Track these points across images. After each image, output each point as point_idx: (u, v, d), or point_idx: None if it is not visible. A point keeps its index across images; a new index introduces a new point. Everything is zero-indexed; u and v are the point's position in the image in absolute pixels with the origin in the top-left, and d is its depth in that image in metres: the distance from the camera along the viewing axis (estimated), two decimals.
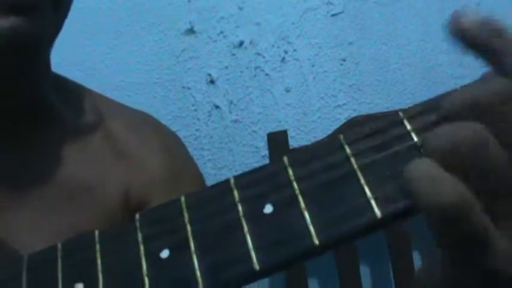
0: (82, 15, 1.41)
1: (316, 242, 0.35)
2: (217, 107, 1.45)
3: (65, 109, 0.70)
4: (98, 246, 0.40)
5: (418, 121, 0.38)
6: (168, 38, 1.46)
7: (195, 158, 1.42)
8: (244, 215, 0.37)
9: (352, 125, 1.37)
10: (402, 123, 0.38)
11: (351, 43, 1.51)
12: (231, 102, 1.46)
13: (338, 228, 0.35)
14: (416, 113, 0.38)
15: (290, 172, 0.38)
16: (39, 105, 0.67)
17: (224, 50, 1.47)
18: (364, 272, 1.44)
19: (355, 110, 1.49)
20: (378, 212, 0.35)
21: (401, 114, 0.38)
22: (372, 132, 0.38)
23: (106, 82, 1.41)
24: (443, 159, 0.33)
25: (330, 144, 0.38)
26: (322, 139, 1.37)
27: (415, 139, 0.37)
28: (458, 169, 0.33)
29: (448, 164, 0.33)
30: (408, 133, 0.37)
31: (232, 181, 0.38)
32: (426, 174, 0.33)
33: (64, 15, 0.64)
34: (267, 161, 1.43)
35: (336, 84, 1.50)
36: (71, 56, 1.39)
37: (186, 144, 1.41)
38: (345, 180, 0.36)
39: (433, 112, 0.38)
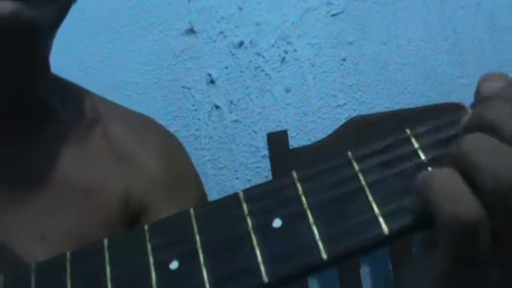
0: (82, 15, 1.41)
1: (325, 256, 0.35)
2: (217, 107, 1.45)
3: (64, 110, 0.70)
4: (107, 256, 0.40)
5: (425, 139, 0.38)
6: (168, 38, 1.45)
7: (195, 158, 1.42)
8: (253, 228, 0.37)
9: (352, 125, 1.38)
10: (409, 141, 0.38)
11: (351, 43, 1.51)
12: (231, 102, 1.46)
13: (346, 243, 0.36)
14: (423, 131, 0.39)
15: (299, 187, 0.38)
16: (37, 106, 0.67)
17: (224, 50, 1.47)
18: (364, 272, 1.45)
19: (355, 110, 1.49)
20: (385, 228, 0.35)
21: (408, 131, 0.39)
22: (380, 148, 0.38)
23: (106, 82, 1.41)
24: (468, 169, 0.33)
25: (338, 160, 0.39)
26: (323, 139, 1.37)
27: (423, 157, 0.38)
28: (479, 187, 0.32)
29: (470, 178, 0.33)
30: (416, 151, 0.38)
31: (241, 194, 0.39)
32: (446, 186, 0.33)
33: (62, 6, 0.63)
34: (267, 161, 1.43)
35: (336, 84, 1.50)
36: (71, 56, 1.39)
37: (186, 144, 1.41)
38: (353, 196, 0.37)
39: (440, 130, 0.38)
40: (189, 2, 1.46)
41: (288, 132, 1.41)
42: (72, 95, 0.73)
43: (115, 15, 1.44)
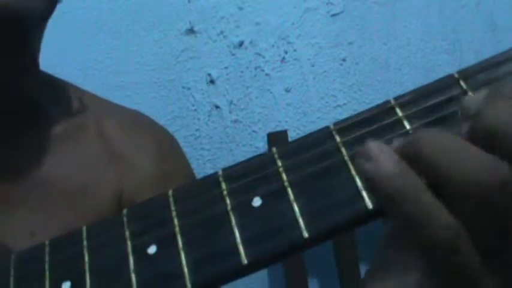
0: (82, 15, 1.41)
1: (306, 234, 0.34)
2: (217, 107, 1.45)
3: (56, 108, 0.70)
4: (85, 243, 0.39)
5: (410, 108, 0.36)
6: (168, 38, 1.46)
7: (195, 158, 1.43)
8: (233, 208, 0.36)
9: None
10: (394, 111, 0.37)
11: (351, 43, 1.51)
12: (231, 102, 1.46)
13: (328, 219, 0.34)
14: (408, 100, 0.37)
15: (279, 163, 0.37)
16: (28, 104, 0.67)
17: (224, 50, 1.47)
18: (365, 271, 1.44)
19: (355, 110, 1.48)
20: (369, 202, 0.34)
21: (392, 101, 0.37)
22: (363, 120, 0.37)
23: (106, 82, 1.41)
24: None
25: (319, 134, 0.37)
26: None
27: (407, 126, 0.36)
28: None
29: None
30: (400, 120, 0.36)
31: (220, 173, 0.38)
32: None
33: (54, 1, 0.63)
34: None
35: (336, 84, 1.50)
36: (71, 56, 1.39)
37: (186, 144, 1.41)
38: (335, 170, 0.35)
39: (425, 99, 0.37)
40: (189, 2, 1.46)
41: (288, 132, 1.41)
42: (62, 93, 0.73)
43: (115, 15, 1.44)
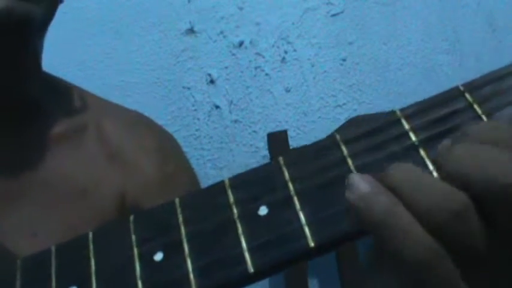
0: (82, 15, 1.41)
1: (312, 244, 0.34)
2: (217, 107, 1.45)
3: (57, 108, 0.70)
4: (91, 248, 0.39)
5: (416, 120, 0.37)
6: (168, 38, 1.46)
7: (195, 158, 1.43)
8: (239, 217, 0.36)
9: (352, 125, 1.37)
10: (400, 122, 0.37)
11: (351, 43, 1.51)
12: (231, 102, 1.46)
13: (334, 229, 0.34)
14: (414, 111, 0.37)
15: (285, 173, 0.37)
16: (30, 105, 0.67)
17: (224, 50, 1.47)
18: None
19: (355, 110, 1.49)
20: None
21: (398, 113, 0.37)
22: (369, 131, 0.37)
23: (106, 82, 1.41)
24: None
25: (326, 144, 0.37)
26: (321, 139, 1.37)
27: (413, 138, 0.36)
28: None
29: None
30: (406, 132, 0.36)
31: (227, 182, 0.38)
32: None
33: (56, 3, 0.63)
34: (267, 161, 1.43)
35: (336, 84, 1.50)
36: (71, 56, 1.39)
37: (186, 144, 1.41)
38: (341, 180, 0.35)
39: (431, 111, 0.37)
40: (189, 2, 1.46)
41: (288, 132, 1.41)
42: (64, 93, 0.73)
43: (115, 15, 1.44)
